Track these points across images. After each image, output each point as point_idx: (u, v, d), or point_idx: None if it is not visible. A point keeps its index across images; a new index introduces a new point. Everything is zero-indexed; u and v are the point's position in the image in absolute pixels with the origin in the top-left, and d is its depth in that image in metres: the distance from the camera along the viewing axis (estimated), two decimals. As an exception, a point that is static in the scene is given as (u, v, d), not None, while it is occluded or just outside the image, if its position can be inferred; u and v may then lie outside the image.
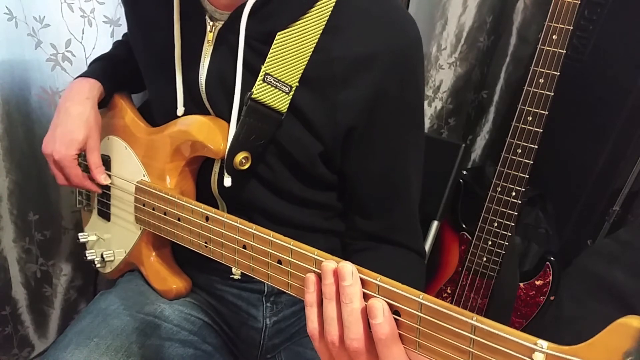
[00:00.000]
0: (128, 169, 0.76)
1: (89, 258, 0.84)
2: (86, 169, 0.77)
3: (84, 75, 0.78)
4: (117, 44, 0.90)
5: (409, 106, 0.65)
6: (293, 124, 0.62)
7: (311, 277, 0.45)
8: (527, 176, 1.09)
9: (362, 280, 0.43)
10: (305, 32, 0.59)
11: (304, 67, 0.60)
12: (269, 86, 0.60)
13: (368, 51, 0.59)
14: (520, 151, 1.08)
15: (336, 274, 0.43)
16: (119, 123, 0.80)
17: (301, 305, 0.79)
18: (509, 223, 1.13)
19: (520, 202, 1.11)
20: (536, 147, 1.07)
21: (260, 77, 0.59)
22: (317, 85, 0.61)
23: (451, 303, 1.19)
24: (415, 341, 0.41)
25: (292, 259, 0.48)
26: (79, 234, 0.87)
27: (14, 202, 1.09)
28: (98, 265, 0.84)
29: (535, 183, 1.16)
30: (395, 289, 0.41)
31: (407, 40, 0.61)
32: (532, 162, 1.08)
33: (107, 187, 0.80)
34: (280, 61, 0.59)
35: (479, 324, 0.37)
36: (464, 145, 1.11)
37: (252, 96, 0.59)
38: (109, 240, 0.83)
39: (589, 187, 1.25)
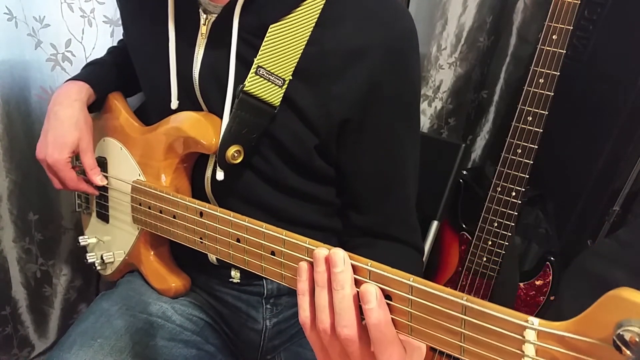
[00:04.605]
0: (124, 170, 0.76)
1: (89, 261, 0.84)
2: (84, 172, 0.77)
3: (72, 78, 0.78)
4: (111, 49, 0.90)
5: (403, 99, 0.64)
6: (288, 116, 0.62)
7: (303, 266, 0.45)
8: (527, 176, 1.09)
9: (353, 266, 0.43)
10: (299, 25, 0.59)
11: (297, 59, 0.60)
12: (262, 79, 0.59)
13: (362, 43, 0.58)
14: (520, 151, 1.08)
15: (328, 261, 0.43)
16: (113, 124, 0.80)
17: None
18: (509, 223, 1.13)
19: (520, 202, 1.11)
20: (536, 147, 1.07)
21: (252, 70, 0.59)
22: (311, 77, 0.60)
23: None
24: (408, 325, 0.41)
25: (285, 249, 0.49)
26: (80, 238, 0.87)
27: (14, 202, 1.09)
28: (99, 268, 0.85)
29: (535, 183, 1.16)
30: (386, 273, 0.41)
31: (401, 33, 0.60)
32: (532, 162, 1.08)
33: (105, 189, 0.80)
34: (273, 54, 0.59)
35: (469, 304, 0.37)
36: (464, 145, 1.11)
37: (245, 89, 0.59)
38: (109, 243, 0.84)
39: (589, 187, 1.25)
